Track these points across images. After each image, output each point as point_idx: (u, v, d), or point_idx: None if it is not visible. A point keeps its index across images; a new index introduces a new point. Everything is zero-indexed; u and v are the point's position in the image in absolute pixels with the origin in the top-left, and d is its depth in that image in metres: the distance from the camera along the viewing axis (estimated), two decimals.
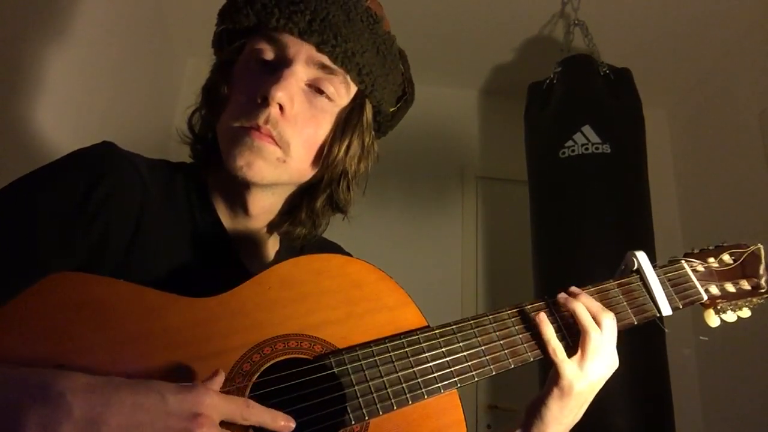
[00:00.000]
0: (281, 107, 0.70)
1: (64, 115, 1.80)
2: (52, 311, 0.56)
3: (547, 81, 2.39)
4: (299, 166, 0.75)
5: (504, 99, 3.15)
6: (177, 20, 2.72)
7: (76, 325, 0.56)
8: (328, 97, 0.74)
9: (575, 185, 2.15)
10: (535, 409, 0.78)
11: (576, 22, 2.53)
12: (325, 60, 0.73)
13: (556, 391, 0.75)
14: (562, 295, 0.79)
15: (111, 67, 2.15)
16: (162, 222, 0.71)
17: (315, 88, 0.74)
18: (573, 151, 2.15)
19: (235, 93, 0.74)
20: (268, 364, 0.62)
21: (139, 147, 0.76)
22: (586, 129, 2.16)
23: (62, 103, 1.78)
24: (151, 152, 0.78)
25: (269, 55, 0.73)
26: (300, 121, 0.72)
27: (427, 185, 3.03)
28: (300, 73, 0.72)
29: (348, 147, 0.76)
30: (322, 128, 0.75)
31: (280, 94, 0.69)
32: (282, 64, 0.72)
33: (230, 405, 0.53)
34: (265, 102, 0.70)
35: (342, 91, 0.75)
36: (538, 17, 2.68)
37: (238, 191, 0.77)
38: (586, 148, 2.13)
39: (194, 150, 0.81)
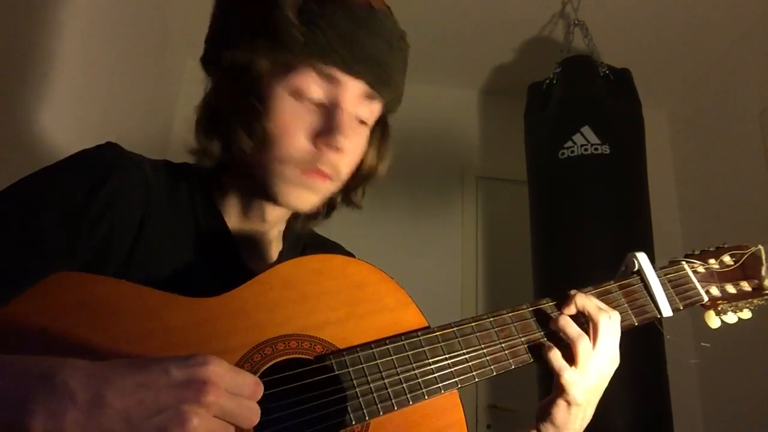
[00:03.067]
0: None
1: (64, 115, 1.80)
2: (54, 311, 0.56)
3: (547, 81, 2.39)
4: (341, 185, 0.78)
5: (504, 99, 3.15)
6: (177, 20, 2.72)
7: (77, 325, 0.56)
8: (364, 122, 0.76)
9: (575, 186, 2.15)
10: (544, 415, 0.77)
11: (576, 22, 2.54)
12: (374, 95, 0.75)
13: (562, 402, 0.75)
14: (555, 313, 0.78)
15: (111, 67, 2.15)
16: (165, 223, 0.71)
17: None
18: (572, 151, 2.15)
19: (282, 128, 0.71)
20: (269, 365, 0.62)
21: (139, 147, 0.76)
22: (586, 130, 2.17)
23: (62, 103, 1.78)
24: (151, 152, 0.78)
25: (317, 92, 0.72)
26: (349, 152, 0.74)
27: (427, 185, 3.03)
28: (352, 111, 0.74)
29: (381, 162, 0.82)
30: (361, 150, 0.78)
31: (347, 144, 0.71)
32: (335, 104, 0.72)
33: (238, 378, 0.50)
34: (329, 148, 0.71)
35: (376, 113, 0.78)
36: (538, 17, 2.68)
37: (258, 203, 0.78)
38: (586, 149, 2.14)
39: (201, 159, 0.77)
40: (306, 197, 0.74)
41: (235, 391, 0.49)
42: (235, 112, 0.73)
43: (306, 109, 0.72)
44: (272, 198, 0.74)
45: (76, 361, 0.48)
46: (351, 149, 0.74)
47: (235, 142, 0.73)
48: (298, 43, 0.69)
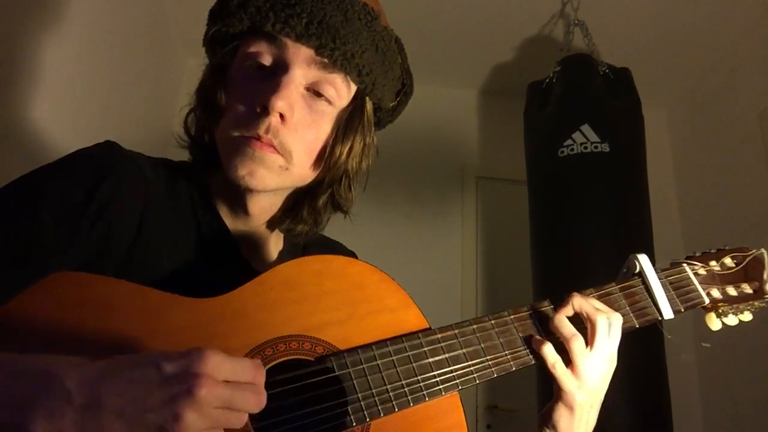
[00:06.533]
0: (282, 116, 0.69)
1: (64, 115, 1.79)
2: (54, 310, 0.56)
3: (547, 80, 2.39)
4: (301, 172, 0.74)
5: (504, 99, 3.15)
6: (177, 20, 2.71)
7: (77, 325, 0.56)
8: (328, 100, 0.73)
9: (574, 184, 2.15)
10: (546, 421, 0.77)
11: (576, 22, 2.54)
12: (325, 63, 0.71)
13: (561, 404, 0.74)
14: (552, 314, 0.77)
15: (111, 67, 2.15)
16: (165, 221, 0.71)
17: (314, 92, 0.73)
18: (572, 150, 2.15)
19: (233, 100, 0.72)
20: (270, 366, 0.62)
21: (139, 147, 0.76)
22: (585, 128, 2.17)
23: (62, 103, 1.78)
24: (151, 152, 0.78)
25: (266, 59, 0.72)
26: (301, 128, 0.71)
27: (427, 185, 3.03)
28: (299, 78, 0.71)
29: (350, 149, 0.76)
30: (322, 132, 0.74)
31: (280, 104, 0.68)
32: (280, 69, 0.71)
33: (236, 365, 0.49)
34: (265, 111, 0.69)
35: (342, 93, 0.74)
36: (538, 17, 2.68)
37: (238, 194, 0.76)
38: (585, 147, 2.14)
39: (193, 153, 0.79)
40: (253, 169, 0.69)
41: (233, 378, 0.49)
42: (199, 90, 0.77)
43: (256, 79, 0.72)
44: (229, 175, 0.71)
45: (73, 359, 0.48)
46: (299, 123, 0.71)
47: (201, 122, 0.76)
48: (237, 8, 0.71)
